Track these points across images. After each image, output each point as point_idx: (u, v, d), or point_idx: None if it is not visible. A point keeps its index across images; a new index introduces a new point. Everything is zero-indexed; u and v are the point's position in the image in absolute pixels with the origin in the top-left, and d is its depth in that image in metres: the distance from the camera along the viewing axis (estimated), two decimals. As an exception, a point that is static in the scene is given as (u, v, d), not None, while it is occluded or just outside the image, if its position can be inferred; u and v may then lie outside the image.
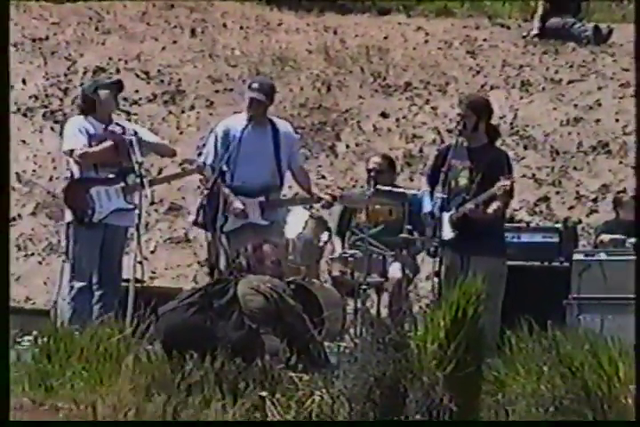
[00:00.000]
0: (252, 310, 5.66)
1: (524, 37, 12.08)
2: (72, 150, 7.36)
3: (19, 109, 11.39)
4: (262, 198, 7.28)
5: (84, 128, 7.36)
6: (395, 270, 7.78)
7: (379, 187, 7.86)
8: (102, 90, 7.39)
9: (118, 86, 7.55)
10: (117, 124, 7.45)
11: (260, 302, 5.67)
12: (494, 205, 6.82)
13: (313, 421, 4.76)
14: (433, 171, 7.07)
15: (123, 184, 7.33)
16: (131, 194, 7.33)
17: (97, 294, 7.30)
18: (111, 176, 7.33)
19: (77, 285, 7.26)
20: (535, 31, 12.02)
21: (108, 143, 7.31)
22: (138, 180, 7.22)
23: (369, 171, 7.95)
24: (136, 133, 7.39)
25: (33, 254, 10.20)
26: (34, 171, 10.79)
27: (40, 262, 10.04)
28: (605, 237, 8.14)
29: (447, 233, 6.87)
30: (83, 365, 5.50)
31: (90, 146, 7.33)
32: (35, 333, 6.39)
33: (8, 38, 4.90)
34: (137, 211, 7.25)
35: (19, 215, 10.50)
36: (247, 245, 6.03)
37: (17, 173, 10.77)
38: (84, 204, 7.28)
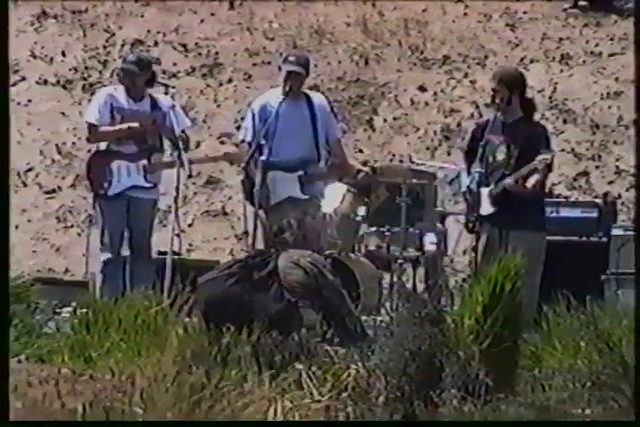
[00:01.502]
0: (291, 284, 5.68)
1: (563, 10, 11.95)
2: (89, 124, 7.36)
3: (58, 82, 11.45)
4: (301, 172, 7.28)
5: (110, 101, 7.30)
6: (430, 245, 7.78)
7: (415, 160, 7.84)
8: (127, 67, 7.35)
9: (128, 70, 7.36)
10: (152, 98, 7.42)
11: (300, 276, 5.68)
12: (533, 179, 6.78)
13: (314, 421, 4.77)
14: (470, 146, 7.03)
15: (146, 162, 7.32)
16: (152, 173, 7.31)
17: (129, 266, 7.34)
18: (134, 152, 7.28)
19: (104, 257, 7.30)
20: (569, 4, 11.88)
21: (117, 127, 7.22)
22: (167, 159, 7.22)
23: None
24: (174, 107, 7.34)
25: (72, 226, 10.28)
26: (73, 143, 10.85)
27: (79, 234, 10.12)
28: (644, 213, 8.07)
29: (486, 208, 6.83)
30: (121, 336, 5.54)
31: (113, 118, 7.30)
32: (74, 304, 6.44)
33: (7, 38, 4.90)
34: (159, 188, 7.26)
35: (59, 187, 10.58)
36: (290, 220, 6.03)
37: (57, 145, 10.84)
38: (103, 176, 7.27)
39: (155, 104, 7.36)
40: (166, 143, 7.47)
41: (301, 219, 6.04)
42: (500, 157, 6.88)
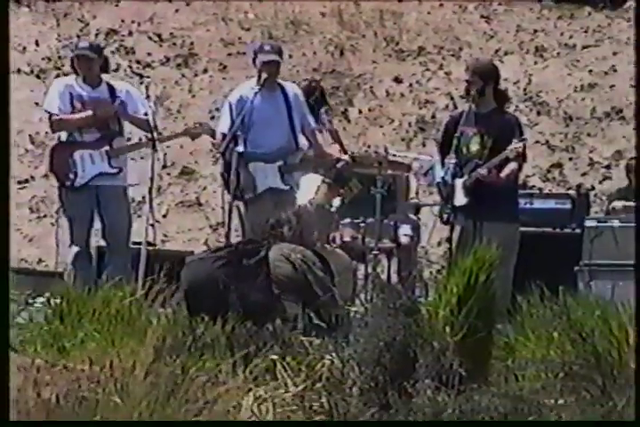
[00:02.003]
0: (278, 277, 5.70)
1: (538, 2, 11.98)
2: (49, 114, 7.33)
3: (32, 71, 11.38)
4: (281, 162, 7.28)
5: (68, 90, 7.27)
6: (404, 236, 7.79)
7: (391, 151, 7.85)
8: (75, 56, 7.31)
9: (86, 56, 7.31)
10: (108, 84, 7.38)
11: (288, 271, 5.70)
12: (507, 169, 6.81)
13: (314, 421, 4.79)
14: (444, 137, 7.05)
15: (107, 147, 7.29)
16: (116, 157, 7.28)
17: (106, 257, 7.31)
18: (95, 139, 7.26)
19: (74, 249, 7.27)
20: None
21: (80, 115, 7.20)
22: (128, 142, 7.18)
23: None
24: (124, 98, 7.27)
25: (45, 216, 10.24)
26: (47, 133, 10.76)
27: (52, 224, 10.07)
28: (618, 204, 8.12)
29: (460, 199, 6.86)
30: (95, 326, 5.53)
31: (72, 107, 7.28)
32: (47, 294, 6.42)
33: (8, 37, 4.88)
34: (126, 173, 7.24)
35: (31, 177, 10.53)
36: (289, 214, 6.03)
37: (30, 135, 10.78)
38: (67, 168, 7.24)
39: (112, 90, 7.35)
40: (126, 128, 7.45)
41: (300, 214, 6.05)
42: (474, 147, 6.91)
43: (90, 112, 7.20)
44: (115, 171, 7.26)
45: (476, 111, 6.95)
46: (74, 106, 7.27)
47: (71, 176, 7.24)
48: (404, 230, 7.91)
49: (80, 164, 7.24)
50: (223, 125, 7.35)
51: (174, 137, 8.23)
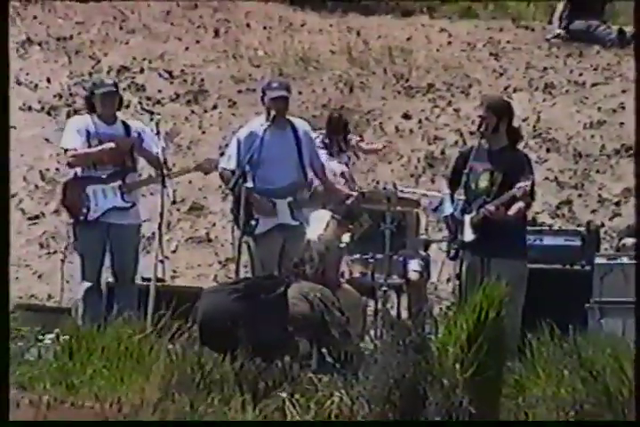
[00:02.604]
0: (294, 315, 5.68)
1: (547, 40, 12.04)
2: (66, 150, 7.39)
3: (43, 108, 11.44)
4: (291, 199, 7.29)
5: (85, 127, 7.33)
6: (414, 272, 7.78)
7: (400, 188, 7.86)
8: (98, 93, 7.36)
9: (113, 93, 7.40)
10: (123, 122, 7.44)
11: (305, 309, 5.70)
12: (515, 207, 6.80)
13: (320, 421, 4.76)
14: (454, 173, 7.05)
15: (120, 182, 7.32)
16: (128, 193, 7.32)
17: (116, 293, 7.31)
18: (108, 174, 7.29)
19: (85, 285, 7.28)
20: (556, 31, 11.97)
21: (100, 147, 7.26)
22: (141, 177, 7.21)
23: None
24: (140, 135, 7.35)
25: (55, 252, 10.24)
26: (57, 169, 10.82)
27: (62, 260, 10.08)
28: (628, 241, 8.10)
29: (468, 235, 6.85)
30: (104, 363, 5.52)
31: (89, 145, 7.33)
32: (56, 331, 6.42)
33: (7, 37, 4.92)
34: (138, 208, 7.27)
35: (42, 213, 10.55)
36: (313, 253, 6.04)
37: (40, 172, 10.82)
38: (80, 202, 7.28)
39: (127, 127, 7.41)
40: (140, 164, 7.49)
41: (323, 254, 6.06)
42: (483, 184, 6.91)
43: (111, 144, 7.25)
44: (127, 205, 7.29)
45: (487, 148, 6.96)
46: (90, 143, 7.33)
47: (84, 210, 7.27)
48: (414, 266, 7.90)
49: (93, 198, 7.28)
50: (229, 161, 7.36)
51: (186, 172, 8.27)
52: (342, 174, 8.72)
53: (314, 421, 4.73)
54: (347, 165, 8.92)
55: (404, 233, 8.00)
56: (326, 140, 8.87)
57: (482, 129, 6.92)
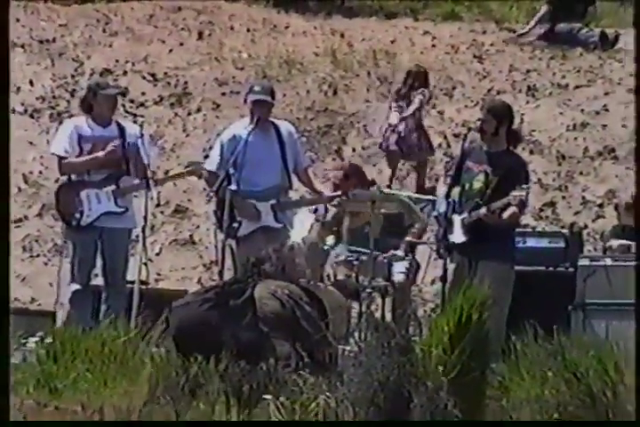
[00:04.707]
0: (266, 314, 5.67)
1: (519, 36, 12.06)
2: (58, 156, 7.35)
3: (26, 111, 11.40)
4: (274, 201, 7.29)
5: (77, 131, 7.29)
6: (398, 274, 7.78)
7: (384, 190, 7.86)
8: (102, 95, 7.34)
9: (116, 96, 7.42)
10: (118, 124, 7.42)
11: (276, 307, 5.68)
12: (509, 212, 6.79)
13: (314, 421, 4.76)
14: (454, 171, 7.06)
15: (114, 187, 7.30)
16: (122, 197, 7.30)
17: (103, 295, 7.30)
18: (101, 179, 7.28)
19: (73, 287, 7.26)
20: (524, 31, 12.04)
21: (90, 156, 7.23)
22: (135, 181, 7.20)
23: (333, 185, 7.91)
24: (142, 136, 7.34)
25: (39, 256, 10.21)
26: (40, 172, 10.80)
27: (46, 264, 10.05)
28: (614, 243, 8.12)
29: (458, 236, 6.85)
30: (87, 366, 5.50)
31: (80, 148, 7.28)
32: (40, 334, 6.40)
33: (8, 37, 4.90)
34: (132, 213, 7.26)
35: (25, 217, 10.51)
36: (270, 251, 6.03)
37: (23, 175, 10.78)
38: (73, 207, 7.26)
39: (122, 131, 7.37)
40: (132, 168, 7.47)
41: (280, 250, 6.04)
42: (477, 185, 6.91)
43: (99, 154, 7.21)
44: (121, 210, 7.27)
45: (486, 150, 6.96)
46: (83, 147, 7.29)
47: (77, 215, 7.26)
48: (399, 268, 7.90)
49: (86, 203, 7.27)
50: (211, 163, 7.38)
51: (177, 177, 8.28)
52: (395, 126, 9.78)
53: (312, 421, 4.73)
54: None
55: (390, 235, 7.98)
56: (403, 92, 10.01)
57: (481, 132, 6.92)
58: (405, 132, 10.08)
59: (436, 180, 10.35)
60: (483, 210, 6.77)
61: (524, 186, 6.76)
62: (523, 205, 6.82)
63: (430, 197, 7.74)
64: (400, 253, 7.71)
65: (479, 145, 6.95)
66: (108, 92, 7.32)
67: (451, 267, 6.85)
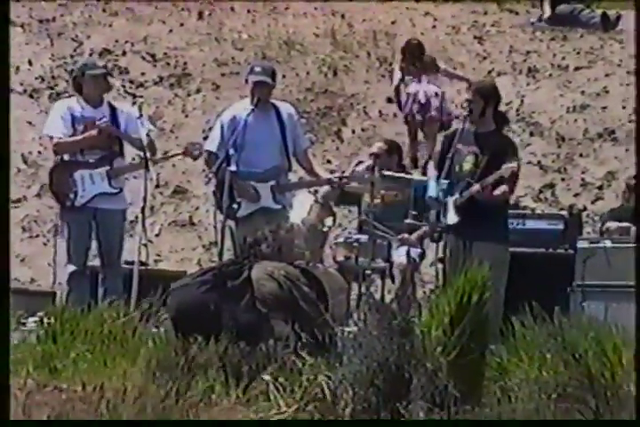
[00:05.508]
0: (264, 295, 5.67)
1: (532, 24, 12.03)
2: (51, 137, 7.35)
3: (25, 91, 11.38)
4: (273, 182, 7.29)
5: (70, 112, 7.28)
6: (400, 256, 7.78)
7: (384, 172, 7.86)
8: (89, 75, 7.31)
9: (104, 75, 7.40)
10: (110, 104, 7.40)
11: (273, 288, 5.68)
12: (500, 188, 6.82)
13: (314, 420, 4.77)
14: (441, 155, 7.07)
15: (108, 167, 7.29)
16: (116, 178, 7.30)
17: (100, 277, 7.31)
18: (95, 159, 7.28)
19: (70, 268, 7.28)
20: (547, 14, 11.96)
21: (82, 136, 7.23)
22: (129, 162, 7.18)
23: (371, 155, 8.03)
24: (140, 116, 7.32)
25: (38, 236, 10.22)
26: (39, 152, 10.78)
27: (45, 244, 10.06)
28: (612, 225, 8.12)
29: (451, 218, 6.86)
30: (87, 347, 5.51)
31: (74, 130, 7.28)
32: (39, 314, 6.41)
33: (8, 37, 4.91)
34: (126, 194, 7.25)
35: (24, 197, 10.51)
36: (266, 232, 6.03)
37: (22, 155, 10.77)
38: (67, 187, 7.27)
39: (114, 110, 7.36)
40: (127, 148, 7.46)
41: (277, 231, 6.04)
42: (467, 166, 6.93)
43: (93, 132, 7.20)
44: (115, 191, 7.28)
45: (474, 131, 6.98)
46: (75, 128, 7.28)
47: (71, 196, 7.26)
48: (400, 250, 7.90)
49: (80, 183, 7.26)
50: (211, 143, 7.38)
51: (172, 156, 8.25)
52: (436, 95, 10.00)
53: (315, 420, 4.74)
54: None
55: (391, 216, 7.98)
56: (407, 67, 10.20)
57: (469, 112, 6.94)
58: (425, 100, 10.14)
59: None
60: (476, 187, 6.79)
61: (515, 158, 6.80)
62: (515, 177, 6.84)
63: (424, 177, 7.72)
64: (413, 237, 7.78)
65: (467, 127, 6.96)
66: (94, 72, 7.31)
67: (447, 248, 6.86)
